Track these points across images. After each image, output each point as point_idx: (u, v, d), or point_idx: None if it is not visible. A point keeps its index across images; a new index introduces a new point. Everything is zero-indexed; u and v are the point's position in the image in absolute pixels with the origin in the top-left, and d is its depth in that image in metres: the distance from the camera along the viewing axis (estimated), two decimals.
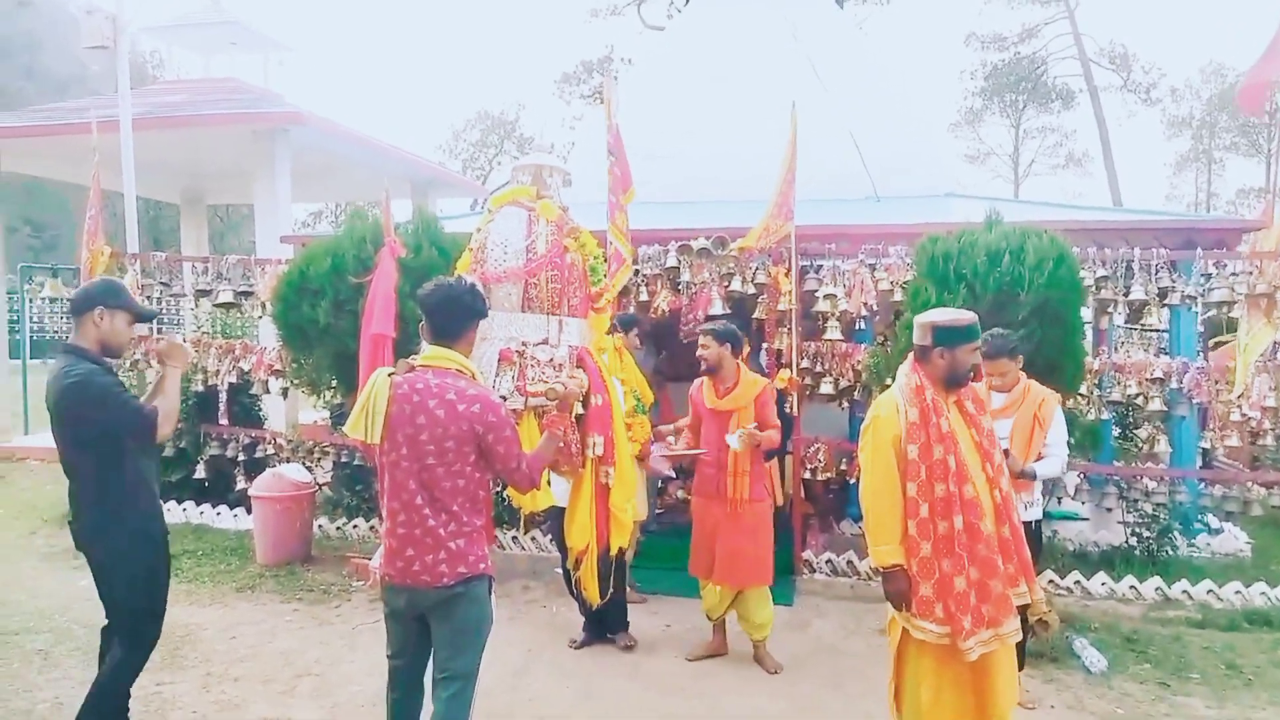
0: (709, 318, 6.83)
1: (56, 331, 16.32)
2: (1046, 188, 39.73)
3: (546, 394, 3.71)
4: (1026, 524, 4.11)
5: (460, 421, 3.04)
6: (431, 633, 3.17)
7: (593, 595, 4.23)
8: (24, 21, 40.06)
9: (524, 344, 3.88)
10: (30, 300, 14.15)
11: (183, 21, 13.41)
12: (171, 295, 8.59)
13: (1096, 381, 6.78)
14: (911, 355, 3.46)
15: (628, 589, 5.71)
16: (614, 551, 4.21)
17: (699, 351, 5.16)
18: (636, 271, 7.13)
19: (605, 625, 5.41)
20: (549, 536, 7.03)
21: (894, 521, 3.29)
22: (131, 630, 3.71)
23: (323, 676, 4.89)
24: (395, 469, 3.09)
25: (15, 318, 13.85)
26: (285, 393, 8.22)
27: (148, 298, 8.55)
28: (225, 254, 8.96)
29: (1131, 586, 6.22)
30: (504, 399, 3.73)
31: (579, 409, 3.97)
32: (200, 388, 8.08)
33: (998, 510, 3.31)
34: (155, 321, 12.10)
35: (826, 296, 6.73)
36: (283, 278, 7.08)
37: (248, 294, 8.00)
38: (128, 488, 3.60)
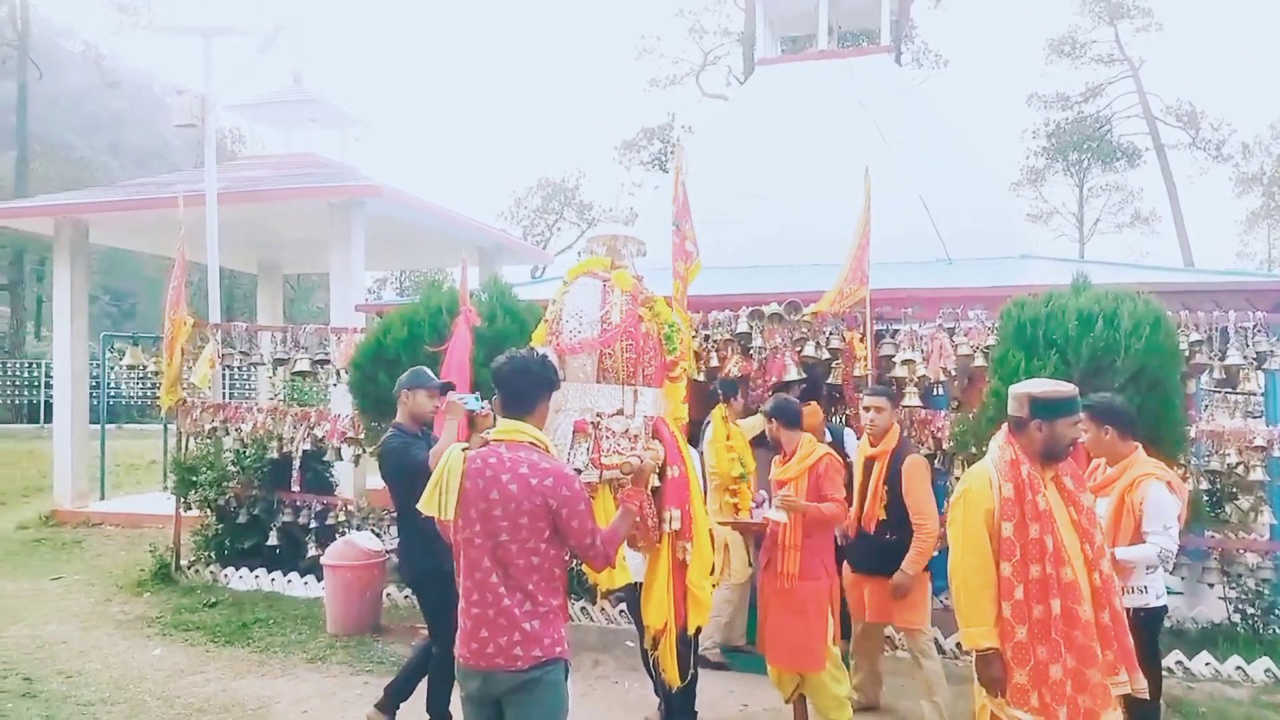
0: (780, 384, 6.73)
1: (133, 398, 16.87)
2: (1113, 246, 38.99)
3: (621, 468, 3.61)
4: (1139, 611, 3.86)
5: (533, 496, 2.95)
6: (504, 718, 3.03)
7: (672, 677, 4.03)
8: (110, 101, 42.39)
9: (599, 415, 3.81)
10: (111, 368, 14.62)
11: (266, 99, 13.93)
12: (250, 364, 8.78)
13: (1192, 450, 6.48)
14: (1006, 426, 3.31)
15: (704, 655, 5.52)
16: (692, 630, 4.04)
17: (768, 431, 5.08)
18: (707, 337, 7.08)
19: (674, 708, 5.15)
20: (619, 609, 6.89)
21: (987, 602, 3.13)
22: (438, 634, 4.65)
23: None
24: (469, 546, 3.01)
25: (94, 384, 14.25)
26: (357, 460, 8.28)
27: (227, 366, 8.78)
28: (296, 321, 9.15)
29: (1238, 667, 5.88)
30: (579, 472, 3.65)
31: (655, 481, 3.86)
32: (275, 455, 8.18)
33: (1096, 594, 3.14)
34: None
35: (905, 362, 6.57)
36: (360, 346, 7.18)
37: (324, 362, 8.14)
38: (425, 526, 4.33)
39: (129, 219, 12.35)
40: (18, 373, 23.16)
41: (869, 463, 5.03)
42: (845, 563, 5.11)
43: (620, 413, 3.86)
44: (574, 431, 3.75)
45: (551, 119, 68.59)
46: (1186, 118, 32.79)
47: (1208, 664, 5.93)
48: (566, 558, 3.15)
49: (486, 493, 2.97)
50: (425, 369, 4.98)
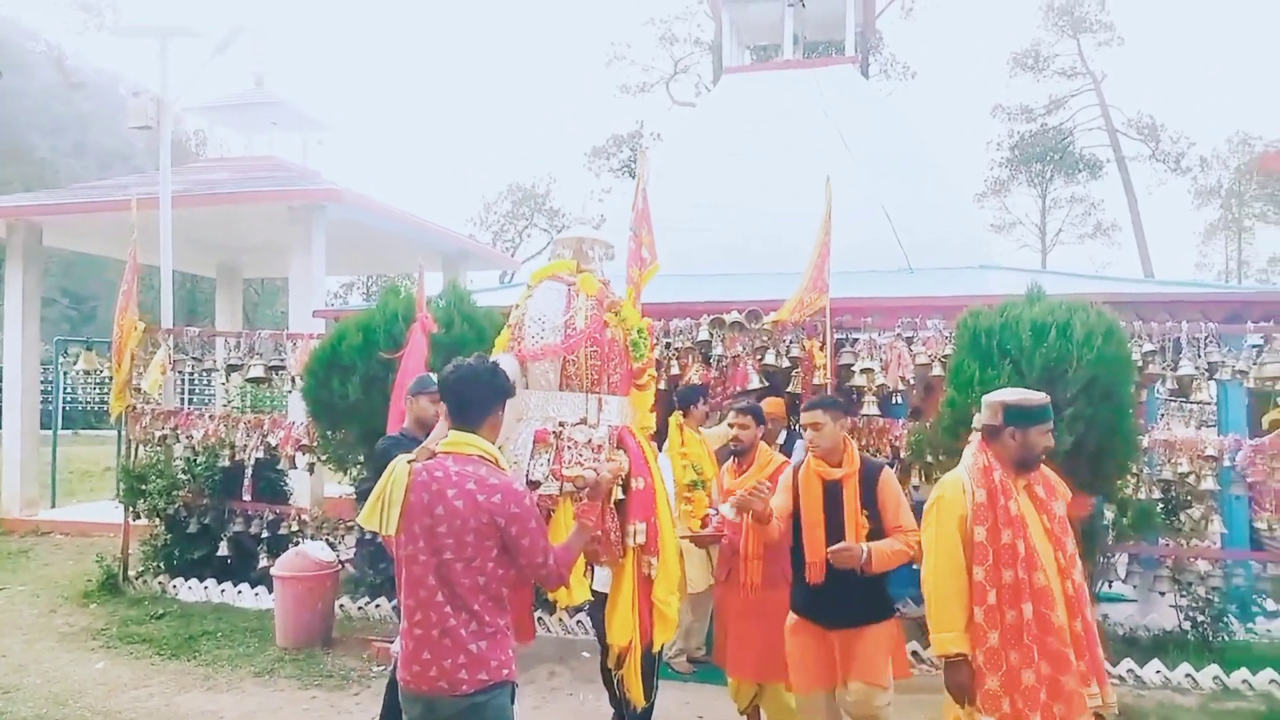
0: (742, 393, 6.71)
1: (89, 403, 16.51)
2: (1074, 257, 39.41)
3: (575, 480, 3.49)
4: None
5: (480, 513, 2.83)
6: None
7: (637, 697, 3.92)
8: (76, 102, 41.75)
9: (561, 424, 3.68)
10: (65, 373, 14.32)
11: (226, 102, 13.74)
12: (203, 370, 8.61)
13: (1145, 459, 6.54)
14: (979, 435, 3.37)
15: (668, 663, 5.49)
16: (658, 648, 3.94)
17: (737, 432, 4.97)
18: (668, 345, 7.06)
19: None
20: (577, 619, 6.83)
21: (958, 608, 3.16)
22: None
23: None
24: (412, 563, 2.87)
25: (48, 389, 13.96)
26: (311, 468, 8.15)
27: (183, 372, 8.62)
28: (259, 326, 9.00)
29: (1188, 675, 5.94)
30: (537, 484, 3.55)
31: (619, 493, 3.76)
32: (227, 463, 8.03)
33: (1069, 602, 3.16)
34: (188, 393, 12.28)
35: (863, 371, 6.58)
36: (314, 353, 7.07)
37: (279, 368, 8.02)
38: None
39: (83, 222, 12.13)
40: None
41: (831, 488, 4.07)
42: (800, 619, 4.16)
43: (584, 422, 3.71)
44: (534, 441, 3.59)
45: (521, 124, 68.34)
46: (1147, 130, 33.35)
47: (1158, 672, 5.98)
48: (515, 576, 3.02)
49: (431, 508, 2.85)
50: (431, 375, 4.97)
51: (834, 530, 3.97)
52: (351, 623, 7.28)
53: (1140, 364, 6.17)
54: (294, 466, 8.13)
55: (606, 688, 5.12)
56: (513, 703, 2.98)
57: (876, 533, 3.97)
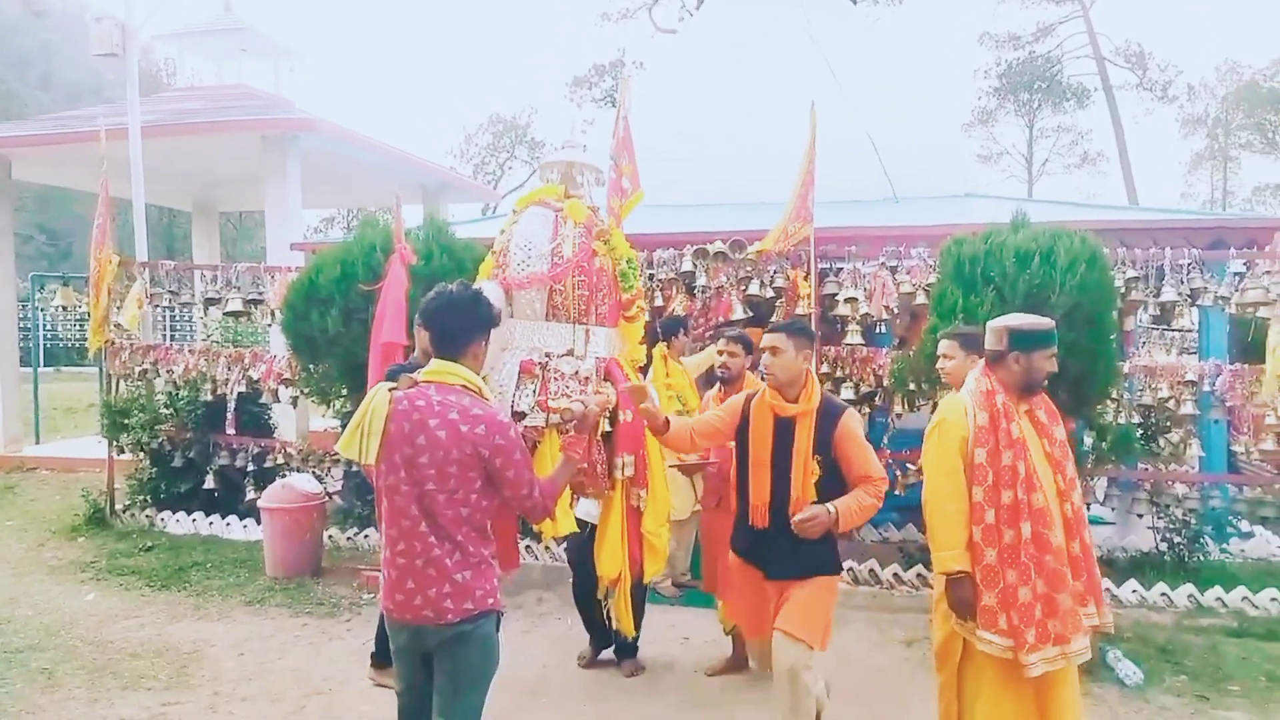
0: (728, 323, 6.69)
1: (69, 340, 16.37)
2: (1061, 187, 39.34)
3: (562, 413, 3.45)
4: None
5: (463, 444, 2.79)
6: (433, 670, 2.92)
7: (627, 627, 3.95)
8: (40, 32, 40.43)
9: (547, 355, 3.62)
10: (42, 309, 14.16)
11: (194, 29, 13.37)
12: (181, 304, 8.51)
13: (1126, 384, 6.61)
14: (983, 360, 3.40)
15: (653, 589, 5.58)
16: (648, 579, 3.96)
17: (726, 359, 4.95)
18: (651, 276, 7.01)
19: (615, 646, 5.22)
20: (564, 546, 6.90)
21: (959, 528, 3.21)
22: None
23: (333, 695, 4.76)
24: (394, 494, 2.83)
25: (27, 326, 13.83)
26: (295, 401, 8.12)
27: (165, 306, 8.53)
28: (238, 260, 8.89)
29: (1163, 594, 6.08)
30: (523, 415, 3.50)
31: (606, 426, 3.72)
32: (209, 397, 7.99)
33: (1068, 524, 3.23)
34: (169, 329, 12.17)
35: (847, 300, 6.57)
36: (292, 286, 6.98)
37: (257, 302, 7.94)
38: None
39: (53, 154, 11.84)
40: None
41: (783, 425, 3.70)
42: (740, 561, 3.94)
43: (570, 353, 3.66)
44: (520, 372, 3.56)
45: (501, 54, 66.76)
46: (1134, 58, 32.92)
47: (1134, 591, 6.11)
48: (499, 506, 2.99)
49: (412, 438, 2.81)
50: None
51: (780, 472, 3.66)
52: (341, 553, 7.34)
53: (1123, 290, 6.20)
54: (276, 400, 8.10)
55: (581, 614, 5.20)
56: (498, 630, 3.00)
57: (828, 481, 3.62)
